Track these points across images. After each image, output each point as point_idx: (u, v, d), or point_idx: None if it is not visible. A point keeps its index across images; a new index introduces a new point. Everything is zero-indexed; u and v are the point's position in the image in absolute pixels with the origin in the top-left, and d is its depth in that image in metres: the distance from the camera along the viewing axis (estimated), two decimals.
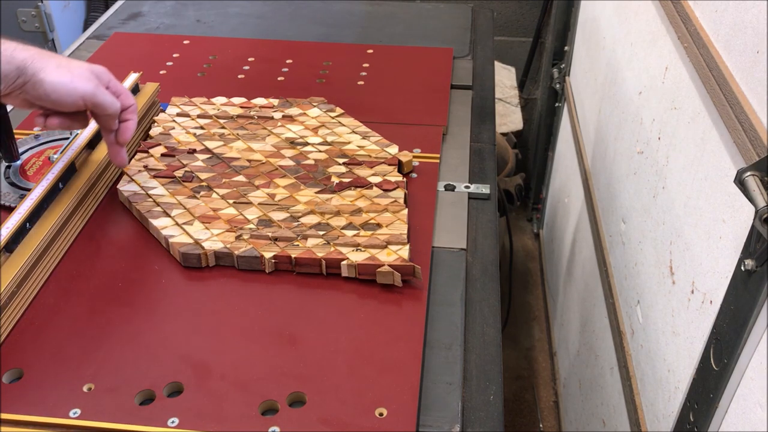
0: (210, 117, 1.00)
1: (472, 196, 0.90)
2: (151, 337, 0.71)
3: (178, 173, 0.89)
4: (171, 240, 0.78)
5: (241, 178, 0.88)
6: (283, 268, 0.77)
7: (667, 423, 0.83)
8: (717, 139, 0.72)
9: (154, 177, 0.88)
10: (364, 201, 0.84)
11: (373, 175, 0.88)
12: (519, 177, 1.98)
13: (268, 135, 0.96)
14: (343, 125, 0.99)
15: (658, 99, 0.96)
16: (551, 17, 1.92)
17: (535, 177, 2.13)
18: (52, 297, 0.75)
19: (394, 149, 0.93)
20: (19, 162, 0.92)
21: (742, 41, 0.67)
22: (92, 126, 0.91)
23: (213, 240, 0.79)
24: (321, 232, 0.80)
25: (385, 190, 0.86)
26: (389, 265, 0.75)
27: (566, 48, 1.79)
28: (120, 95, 0.80)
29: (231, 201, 0.84)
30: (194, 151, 0.93)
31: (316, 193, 0.85)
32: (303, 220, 0.81)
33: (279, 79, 1.13)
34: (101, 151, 0.90)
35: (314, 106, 1.03)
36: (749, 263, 0.57)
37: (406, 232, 0.79)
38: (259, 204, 0.84)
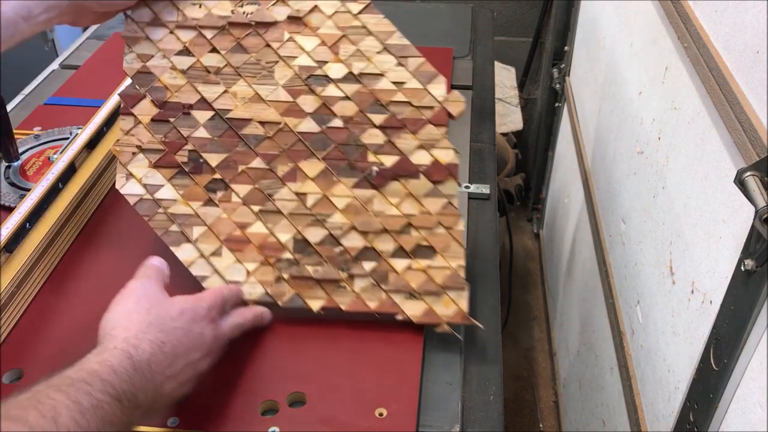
0: (193, 27, 0.77)
1: (472, 196, 0.90)
2: None
3: (182, 156, 0.75)
4: (204, 284, 0.72)
5: (258, 162, 0.74)
6: (331, 313, 0.71)
7: (667, 423, 0.83)
8: (717, 139, 0.72)
9: (155, 166, 0.75)
10: (411, 203, 0.72)
11: (418, 147, 0.73)
12: (519, 177, 1.98)
13: (276, 63, 0.76)
14: (372, 34, 0.76)
15: (658, 99, 0.96)
16: (551, 17, 1.92)
17: (535, 177, 2.13)
18: (52, 297, 0.75)
19: (440, 88, 0.74)
20: (19, 162, 0.92)
21: (742, 41, 0.67)
22: (92, 126, 0.91)
23: (251, 284, 0.71)
24: (368, 265, 0.71)
25: (435, 182, 0.72)
26: (448, 324, 0.70)
27: (566, 48, 1.79)
28: None
29: (256, 208, 0.73)
30: (190, 107, 0.75)
31: (352, 187, 0.73)
32: (345, 242, 0.72)
33: None
34: (101, 151, 0.90)
35: None
36: (749, 263, 0.57)
37: (463, 263, 0.71)
38: (290, 214, 0.73)
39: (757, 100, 0.63)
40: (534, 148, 2.11)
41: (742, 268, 0.59)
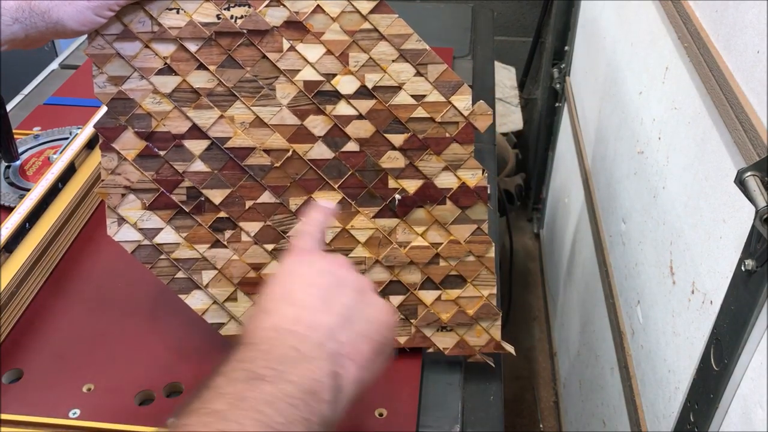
0: (172, 40, 0.64)
1: None
2: (150, 337, 0.71)
3: (179, 194, 0.66)
4: (221, 331, 0.68)
5: (267, 196, 0.67)
6: None
7: (667, 423, 0.83)
8: (717, 139, 0.72)
9: (151, 208, 0.66)
10: (438, 231, 0.68)
11: (444, 170, 0.67)
12: (519, 177, 1.98)
13: (276, 79, 0.65)
14: (385, 38, 0.66)
15: (659, 99, 0.96)
16: (551, 17, 1.92)
17: (535, 177, 2.12)
18: (52, 297, 0.75)
19: (464, 100, 0.68)
20: (18, 162, 0.92)
21: (742, 41, 0.67)
22: (92, 126, 0.91)
23: None
24: (395, 300, 0.68)
25: (463, 207, 0.68)
26: (481, 353, 0.68)
27: (566, 48, 1.79)
28: None
29: (270, 247, 0.67)
30: (182, 137, 0.65)
31: (373, 217, 0.67)
32: (370, 277, 0.67)
33: None
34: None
35: None
36: (749, 263, 0.57)
37: (495, 291, 0.69)
38: None
39: (757, 100, 0.63)
40: (534, 148, 2.11)
41: (743, 268, 0.59)
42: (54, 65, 1.20)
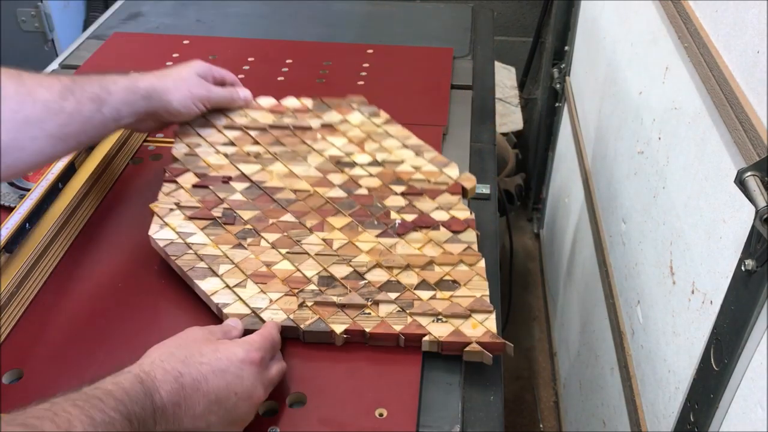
0: (239, 128, 0.91)
1: (472, 197, 0.90)
2: (151, 337, 0.71)
3: (217, 212, 0.79)
4: (225, 310, 0.70)
5: (289, 217, 0.79)
6: (354, 339, 0.69)
7: (667, 423, 0.83)
8: (717, 139, 0.72)
9: (190, 219, 0.78)
10: (433, 247, 0.76)
11: (437, 209, 0.81)
12: (519, 177, 1.98)
13: (309, 152, 0.88)
14: (392, 136, 0.91)
15: (659, 99, 0.96)
16: (551, 17, 1.92)
17: (535, 177, 2.13)
18: (52, 297, 0.75)
19: (453, 171, 0.86)
20: None
21: (742, 41, 0.67)
22: None
23: (273, 310, 0.70)
24: (393, 294, 0.71)
25: (455, 232, 0.78)
26: (478, 343, 0.68)
27: (566, 48, 1.79)
28: (224, 78, 0.93)
29: (284, 251, 0.75)
30: (230, 179, 0.83)
31: (377, 236, 0.77)
32: (369, 276, 0.73)
33: (279, 78, 1.13)
34: (101, 151, 0.90)
35: (355, 110, 0.95)
36: (749, 263, 0.57)
37: (488, 293, 0.72)
38: (317, 255, 0.75)
39: (757, 100, 0.63)
40: (534, 148, 2.11)
41: (743, 268, 0.59)
42: (54, 65, 1.20)
